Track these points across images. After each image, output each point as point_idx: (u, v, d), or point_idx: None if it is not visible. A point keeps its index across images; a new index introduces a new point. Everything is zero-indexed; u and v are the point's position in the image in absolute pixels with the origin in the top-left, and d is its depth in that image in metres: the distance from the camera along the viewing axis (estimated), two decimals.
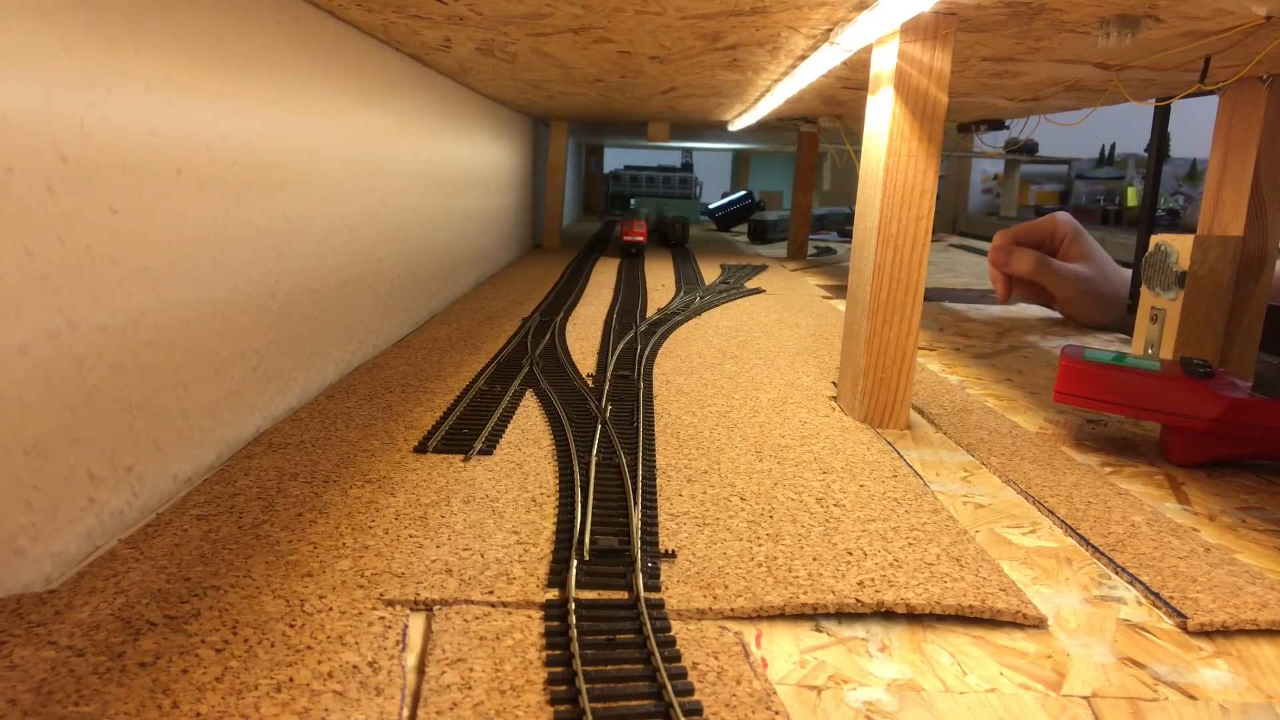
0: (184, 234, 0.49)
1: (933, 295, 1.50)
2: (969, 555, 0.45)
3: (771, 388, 0.79)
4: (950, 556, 0.45)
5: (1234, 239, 0.78)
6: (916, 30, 0.62)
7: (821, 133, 1.97)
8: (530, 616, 0.38)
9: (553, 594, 0.40)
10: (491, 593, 0.40)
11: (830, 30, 0.68)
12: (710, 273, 1.62)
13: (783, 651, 0.37)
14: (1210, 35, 0.62)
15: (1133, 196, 3.07)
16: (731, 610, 0.39)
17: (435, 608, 0.38)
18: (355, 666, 0.34)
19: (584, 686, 0.32)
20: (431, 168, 1.06)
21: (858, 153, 0.76)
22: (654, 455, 0.59)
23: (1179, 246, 0.79)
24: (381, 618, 0.37)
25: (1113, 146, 3.35)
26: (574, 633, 0.36)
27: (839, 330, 1.09)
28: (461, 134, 1.24)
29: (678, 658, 0.35)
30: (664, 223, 2.20)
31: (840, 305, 1.32)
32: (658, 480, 0.54)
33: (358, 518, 0.47)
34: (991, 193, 3.34)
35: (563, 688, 0.33)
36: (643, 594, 0.39)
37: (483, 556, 0.43)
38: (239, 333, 0.57)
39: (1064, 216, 1.22)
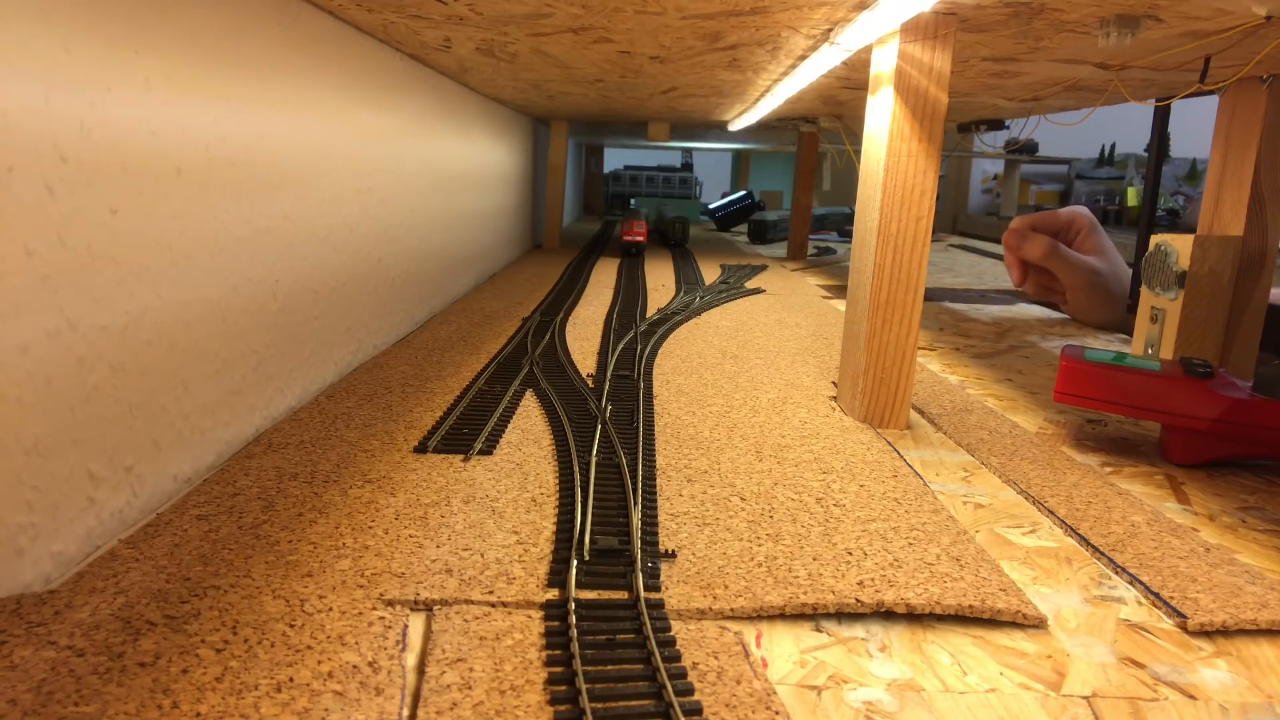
0: (184, 234, 0.49)
1: (933, 295, 1.50)
2: (969, 555, 0.45)
3: (771, 388, 0.79)
4: (950, 556, 0.45)
5: (1234, 239, 0.78)
6: (916, 30, 0.62)
7: (821, 133, 1.97)
8: (530, 616, 0.38)
9: (553, 594, 0.40)
10: (491, 593, 0.40)
11: (830, 30, 0.68)
12: (710, 273, 1.62)
13: (783, 651, 0.37)
14: (1210, 35, 0.62)
15: (1133, 196, 3.08)
16: (731, 610, 0.39)
17: (435, 608, 0.38)
18: (355, 666, 0.34)
19: (584, 686, 0.32)
20: (431, 168, 1.06)
21: (858, 153, 0.76)
22: (654, 455, 0.59)
23: (1179, 246, 0.79)
24: (381, 618, 0.37)
25: (1113, 146, 3.35)
26: (574, 633, 0.36)
27: (839, 330, 1.09)
28: (461, 134, 1.24)
29: (678, 658, 0.35)
30: (664, 223, 2.20)
31: (840, 305, 1.32)
32: (658, 480, 0.54)
33: (358, 518, 0.47)
34: (991, 193, 3.34)
35: (563, 688, 0.33)
36: (643, 594, 0.39)
37: (483, 556, 0.43)
38: (239, 333, 0.57)
39: (1083, 210, 1.24)
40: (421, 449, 0.58)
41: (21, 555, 0.37)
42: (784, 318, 1.17)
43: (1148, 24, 0.59)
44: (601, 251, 1.92)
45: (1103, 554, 0.47)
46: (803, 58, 0.84)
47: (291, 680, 0.33)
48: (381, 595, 0.39)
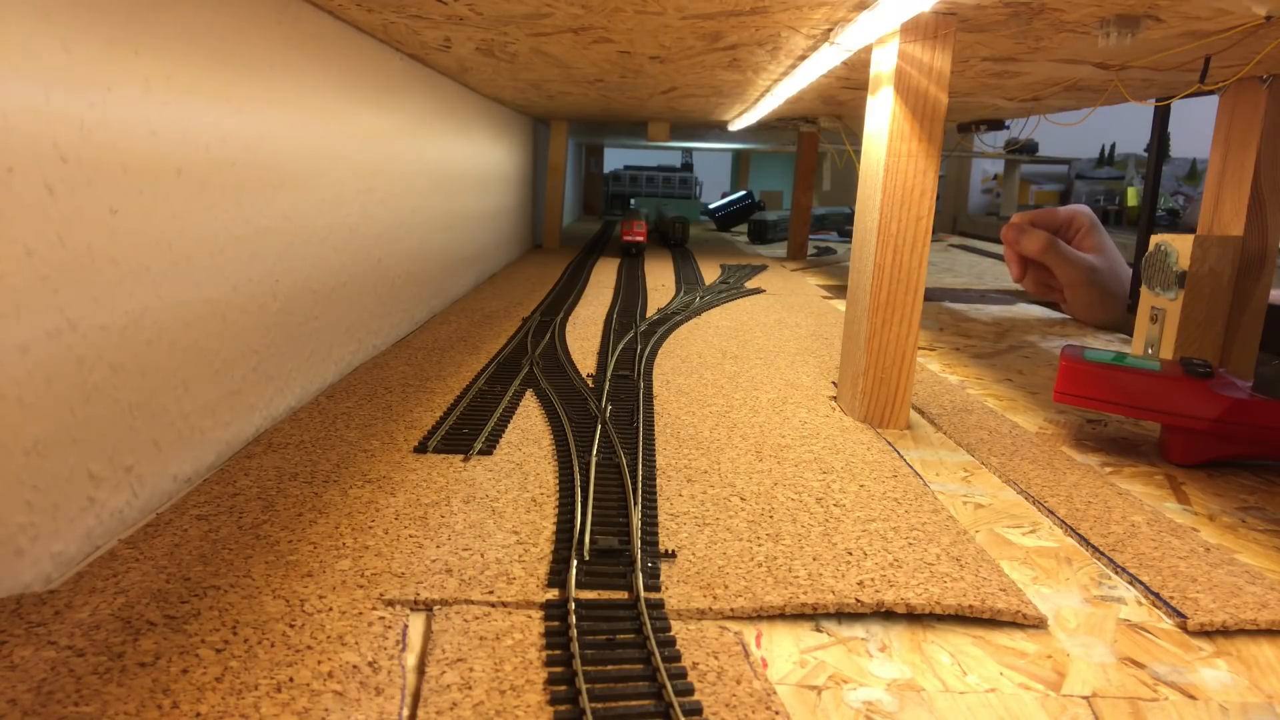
0: (184, 234, 0.49)
1: (933, 295, 1.50)
2: (969, 555, 0.45)
3: (771, 388, 0.79)
4: (950, 556, 0.45)
5: (1234, 239, 0.78)
6: (916, 30, 0.62)
7: (821, 133, 1.97)
8: (530, 616, 0.38)
9: (553, 594, 0.40)
10: (491, 593, 0.40)
11: (830, 30, 0.68)
12: (710, 273, 1.62)
13: (783, 651, 0.37)
14: (1210, 35, 0.62)
15: (1133, 196, 3.08)
16: (731, 610, 0.39)
17: (435, 608, 0.38)
18: (355, 666, 0.34)
19: (584, 686, 0.32)
20: (431, 168, 1.06)
21: (858, 153, 0.76)
22: (654, 455, 0.59)
23: (1179, 246, 0.79)
24: (381, 618, 0.37)
25: (1113, 146, 3.35)
26: (574, 633, 0.36)
27: (839, 330, 1.09)
28: (461, 134, 1.24)
29: (678, 658, 0.35)
30: (664, 223, 2.20)
31: (840, 305, 1.32)
32: (658, 480, 0.54)
33: (358, 518, 0.47)
34: (991, 193, 3.34)
35: (563, 688, 0.33)
36: (643, 594, 0.39)
37: (483, 556, 0.43)
38: (239, 333, 0.57)
39: (1083, 208, 1.24)
40: (421, 449, 0.58)
41: (21, 555, 0.37)
42: (784, 318, 1.17)
43: (1148, 24, 0.59)
44: (601, 251, 1.92)
45: (1103, 554, 0.47)
46: (803, 58, 0.84)
47: (291, 680, 0.33)
48: (381, 595, 0.39)
